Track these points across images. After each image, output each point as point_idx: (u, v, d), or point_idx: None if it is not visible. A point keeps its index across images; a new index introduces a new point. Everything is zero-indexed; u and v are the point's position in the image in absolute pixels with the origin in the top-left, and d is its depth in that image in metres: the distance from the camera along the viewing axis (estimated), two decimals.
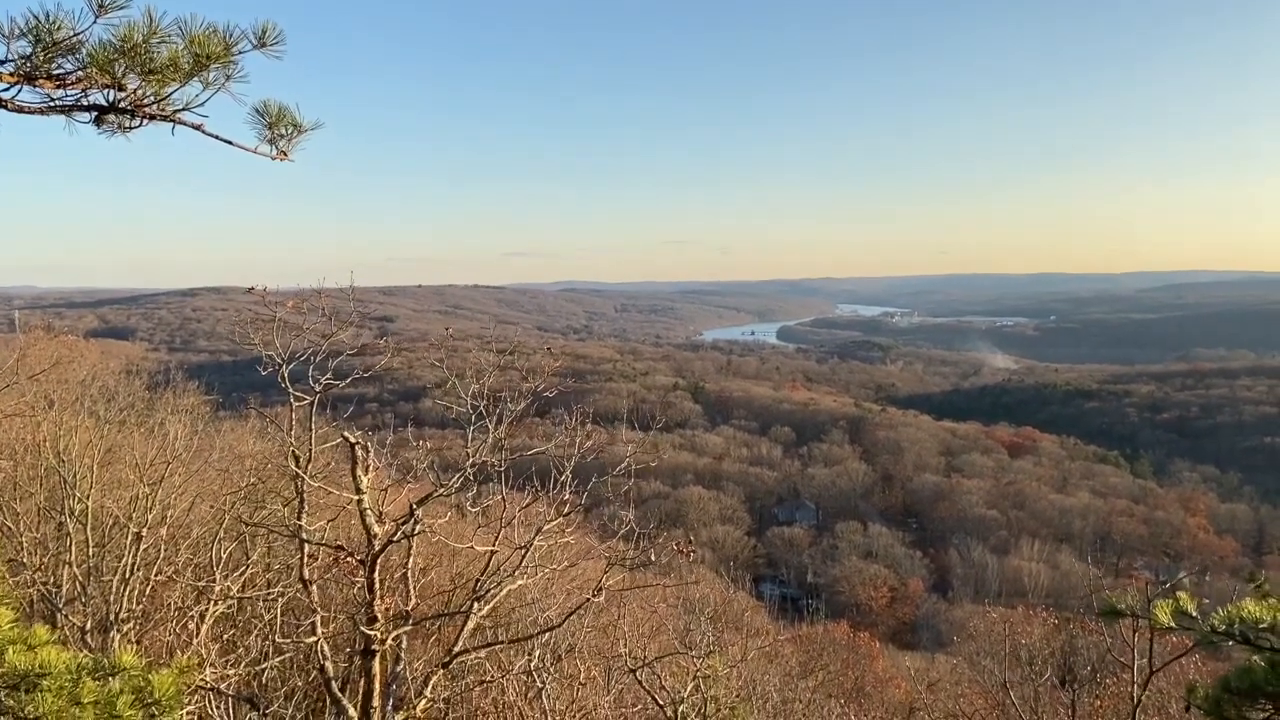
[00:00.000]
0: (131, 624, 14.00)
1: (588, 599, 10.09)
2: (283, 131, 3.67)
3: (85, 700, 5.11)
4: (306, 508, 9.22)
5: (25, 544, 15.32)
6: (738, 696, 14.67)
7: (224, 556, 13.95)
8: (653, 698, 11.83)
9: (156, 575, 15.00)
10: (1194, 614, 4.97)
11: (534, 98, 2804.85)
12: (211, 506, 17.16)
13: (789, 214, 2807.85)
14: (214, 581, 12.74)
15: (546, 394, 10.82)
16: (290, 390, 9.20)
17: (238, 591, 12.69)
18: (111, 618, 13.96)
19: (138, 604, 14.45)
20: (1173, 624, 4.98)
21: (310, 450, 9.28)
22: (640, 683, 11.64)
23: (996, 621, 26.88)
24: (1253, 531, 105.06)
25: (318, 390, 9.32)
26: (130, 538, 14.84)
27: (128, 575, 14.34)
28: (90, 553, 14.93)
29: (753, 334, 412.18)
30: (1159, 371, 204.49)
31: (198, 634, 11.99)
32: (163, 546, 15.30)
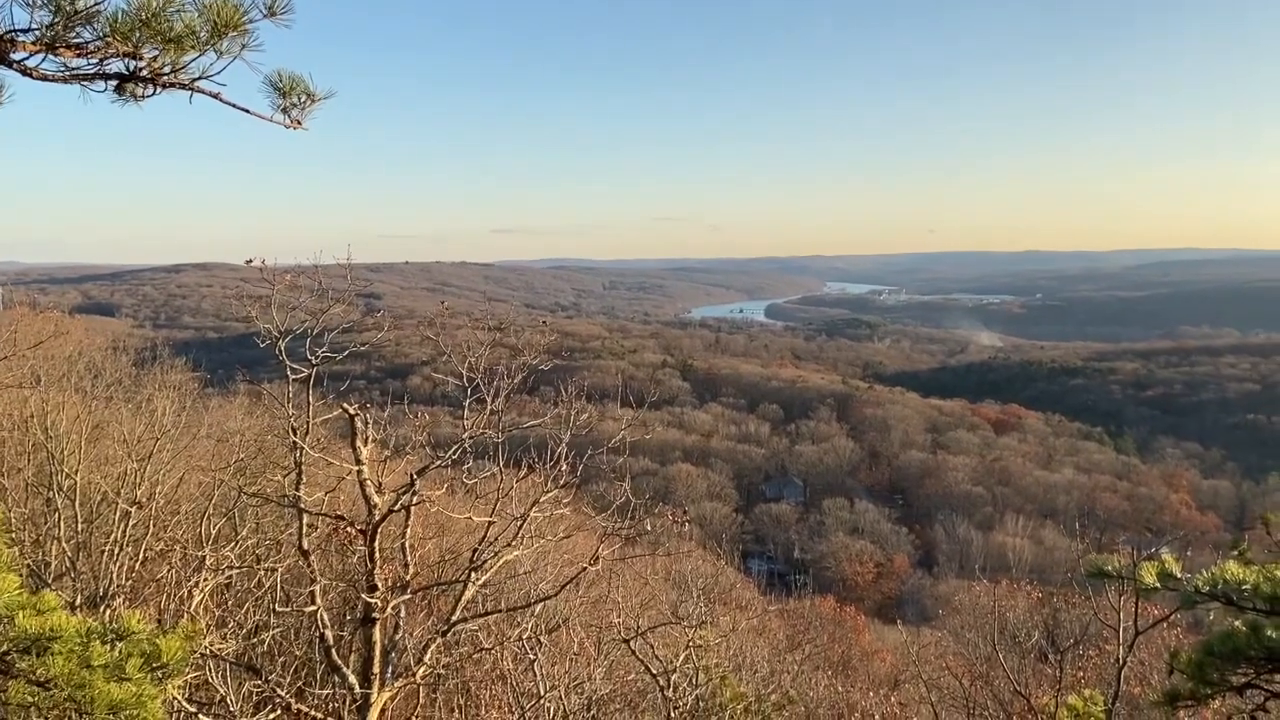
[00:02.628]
0: (121, 599, 14.08)
1: (583, 569, 10.25)
2: (295, 100, 3.72)
3: (95, 664, 5.21)
4: (304, 480, 9.30)
5: (14, 520, 15.34)
6: (728, 667, 14.90)
7: (215, 531, 14.05)
8: (646, 667, 12.02)
9: (146, 550, 15.09)
10: (1178, 575, 5.13)
11: (522, 74, 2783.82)
12: (200, 482, 17.22)
13: (779, 192, 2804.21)
14: (206, 555, 12.84)
15: (541, 368, 10.93)
16: (288, 364, 9.26)
17: (234, 563, 12.78)
18: (101, 593, 14.04)
19: (127, 579, 14.53)
20: (1158, 585, 5.14)
21: (308, 423, 9.36)
22: (634, 652, 11.82)
23: (980, 595, 27.20)
24: (1235, 507, 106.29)
25: (314, 365, 9.39)
26: (119, 513, 14.90)
27: (117, 550, 14.41)
28: (79, 528, 14.99)
29: (741, 311, 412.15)
30: (1144, 349, 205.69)
31: (193, 605, 12.10)
32: (151, 521, 15.37)
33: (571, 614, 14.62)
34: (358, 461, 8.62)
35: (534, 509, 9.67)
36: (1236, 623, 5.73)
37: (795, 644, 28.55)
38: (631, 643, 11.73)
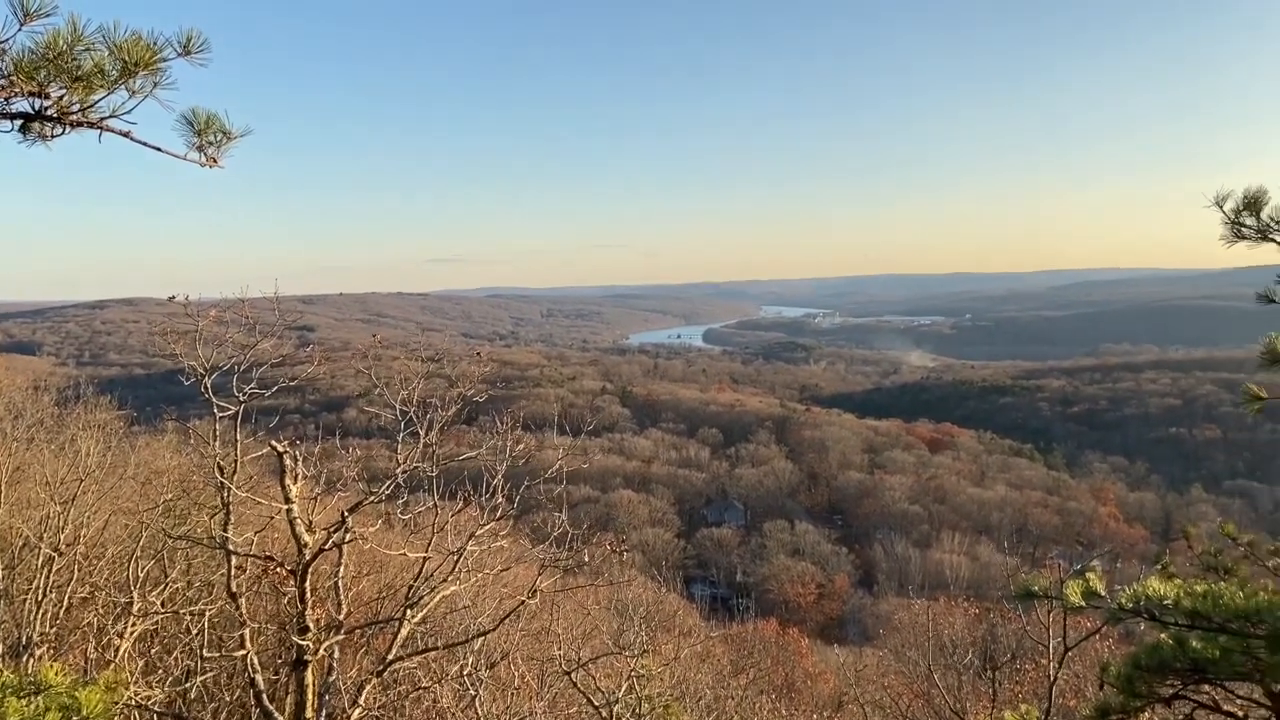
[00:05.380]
0: (44, 648, 13.53)
1: (521, 602, 10.12)
2: (211, 139, 3.67)
3: (10, 719, 4.98)
4: (232, 520, 9.06)
5: None
6: (671, 695, 14.81)
7: (142, 574, 13.57)
8: (588, 699, 11.89)
9: (70, 596, 14.52)
10: (1103, 593, 5.25)
11: (455, 105, 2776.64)
12: (128, 524, 16.66)
13: (713, 217, 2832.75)
14: (133, 600, 12.40)
15: (476, 399, 10.82)
16: (214, 401, 9.04)
17: (160, 608, 12.35)
18: (23, 641, 13.47)
19: (51, 627, 13.98)
20: (1083, 603, 5.25)
21: (235, 462, 9.13)
22: (575, 684, 11.69)
23: (920, 613, 27.55)
24: (1160, 518, 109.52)
25: (241, 401, 9.18)
26: (41, 558, 14.34)
27: (39, 598, 13.84)
28: None
29: (679, 337, 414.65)
30: (1069, 367, 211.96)
31: (118, 653, 11.66)
32: (76, 566, 14.82)
33: (512, 648, 14.41)
34: (287, 500, 8.42)
35: (470, 542, 9.54)
36: (1163, 636, 5.88)
37: (739, 669, 28.54)
38: (573, 675, 11.61)
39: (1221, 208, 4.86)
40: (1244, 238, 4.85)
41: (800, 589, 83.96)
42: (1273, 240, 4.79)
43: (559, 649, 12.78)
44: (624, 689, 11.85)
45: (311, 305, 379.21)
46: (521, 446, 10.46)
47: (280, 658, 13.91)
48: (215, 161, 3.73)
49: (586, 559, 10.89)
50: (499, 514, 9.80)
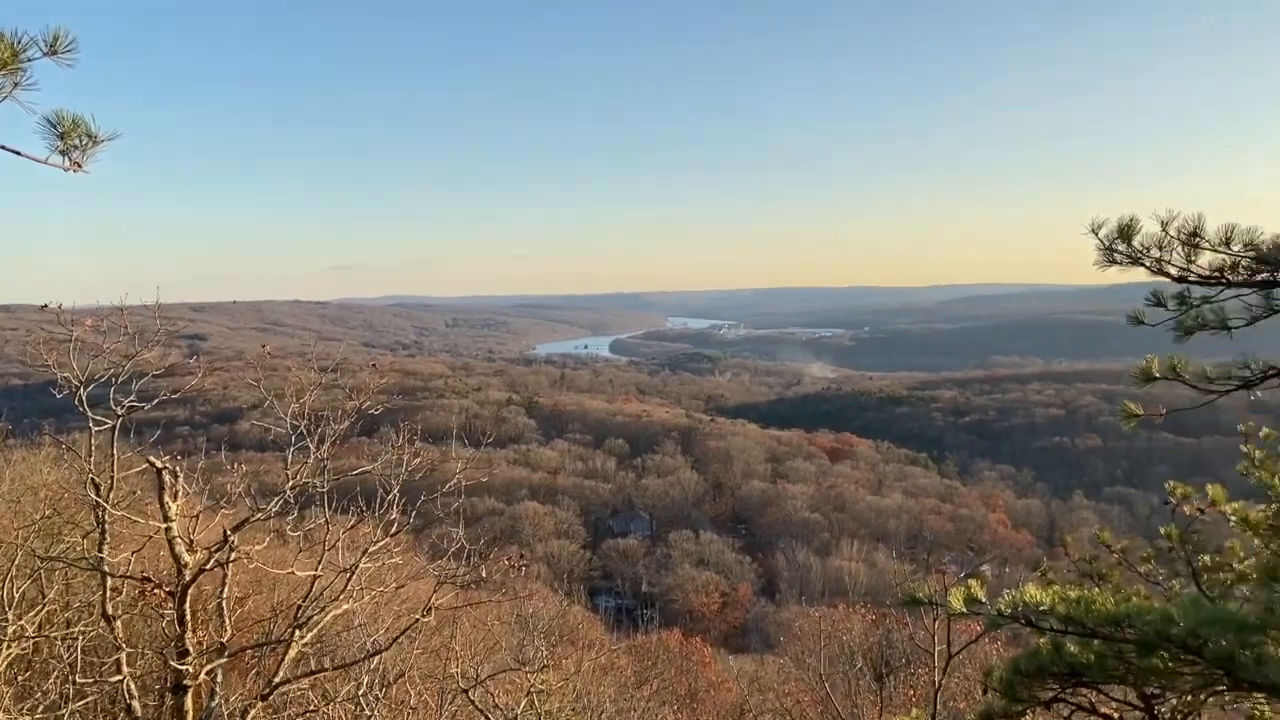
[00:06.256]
0: None
1: (416, 620, 9.89)
2: (76, 142, 3.48)
3: None
4: (109, 539, 8.63)
5: None
6: (572, 709, 14.71)
7: (16, 595, 12.81)
8: (486, 717, 11.70)
9: None
10: (983, 600, 5.41)
11: (355, 109, 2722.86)
12: (1, 542, 15.71)
13: (622, 229, 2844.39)
14: (6, 622, 11.68)
15: (372, 412, 10.56)
16: (89, 414, 8.61)
17: (34, 631, 11.66)
18: None
19: None
20: (965, 610, 5.39)
21: (113, 478, 8.71)
22: (473, 702, 11.49)
23: (819, 621, 28.07)
24: (1045, 524, 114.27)
25: (120, 414, 8.76)
26: None
27: None
28: None
29: (586, 347, 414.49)
30: (961, 378, 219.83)
31: None
32: None
33: (410, 666, 14.09)
34: (165, 518, 8.05)
35: (364, 559, 9.29)
36: (1041, 641, 6.09)
37: (642, 680, 28.56)
38: (471, 692, 11.41)
39: (1097, 235, 5.09)
40: (1116, 263, 5.09)
41: (704, 598, 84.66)
42: (1142, 265, 5.03)
43: (457, 666, 12.55)
44: (523, 705, 11.70)
45: (203, 313, 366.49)
46: (419, 459, 10.24)
47: (162, 682, 13.29)
48: (79, 166, 3.54)
49: (484, 574, 10.72)
50: (394, 529, 9.57)
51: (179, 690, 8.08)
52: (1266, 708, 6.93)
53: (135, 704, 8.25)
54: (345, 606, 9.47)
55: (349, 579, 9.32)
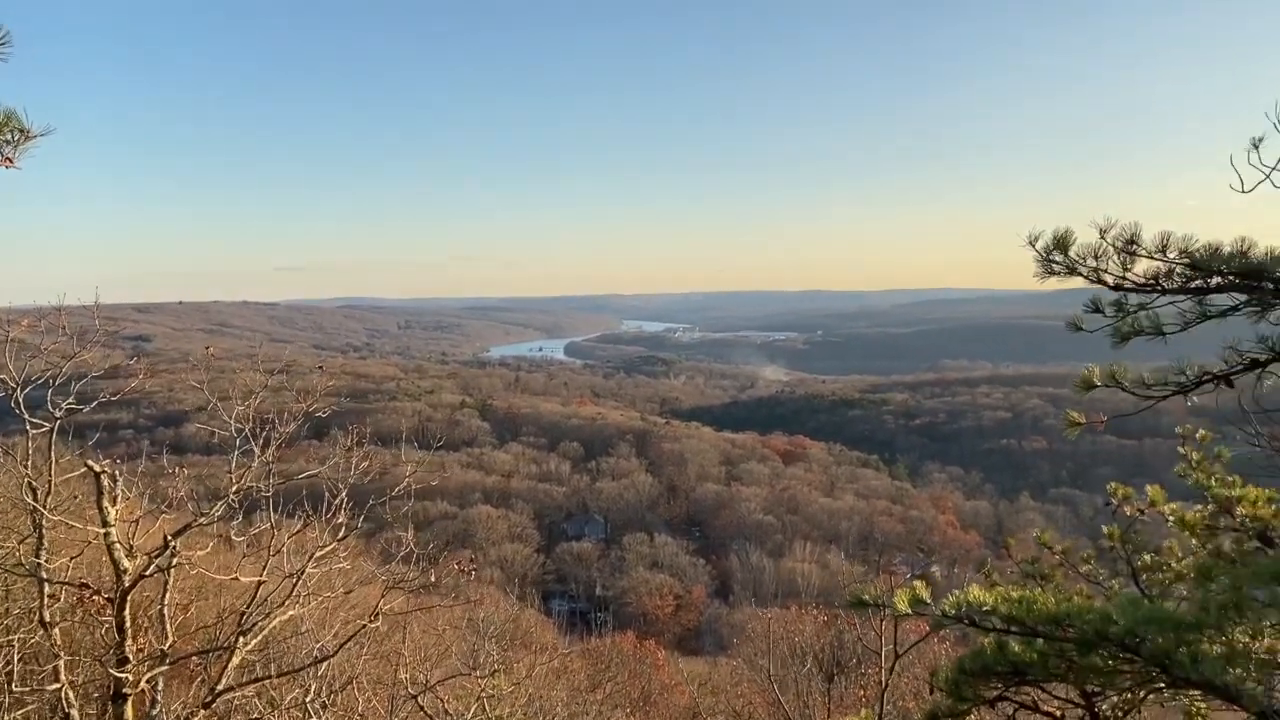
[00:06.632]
0: None
1: (363, 625, 9.76)
2: (8, 137, 3.40)
3: None
4: (46, 544, 8.40)
5: None
6: (524, 714, 14.62)
7: None
8: None
9: None
10: (928, 601, 5.47)
11: (302, 107, 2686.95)
12: None
13: (575, 231, 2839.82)
14: None
15: (321, 414, 10.40)
16: (26, 417, 8.37)
17: None
18: None
19: None
20: (910, 611, 5.45)
21: (50, 482, 8.49)
22: (422, 708, 11.37)
23: (771, 622, 28.23)
24: (993, 525, 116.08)
25: (58, 416, 8.53)
26: None
27: None
28: None
29: (540, 350, 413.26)
30: (912, 381, 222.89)
31: None
32: None
33: (359, 672, 13.91)
34: (105, 522, 7.86)
35: (310, 564, 9.14)
36: (985, 641, 6.18)
37: (595, 684, 28.51)
38: (420, 698, 11.29)
39: (1034, 246, 5.20)
40: (1054, 273, 5.21)
41: (658, 601, 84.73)
42: (1080, 275, 5.14)
43: (406, 672, 12.41)
44: (473, 710, 11.61)
45: (148, 314, 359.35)
46: (367, 463, 10.11)
47: (102, 690, 12.97)
48: (11, 161, 3.45)
49: (434, 579, 10.61)
50: (342, 533, 9.43)
51: (119, 698, 7.88)
52: (1203, 704, 7.11)
53: (74, 713, 8.04)
54: (291, 612, 9.31)
55: (295, 584, 9.16)
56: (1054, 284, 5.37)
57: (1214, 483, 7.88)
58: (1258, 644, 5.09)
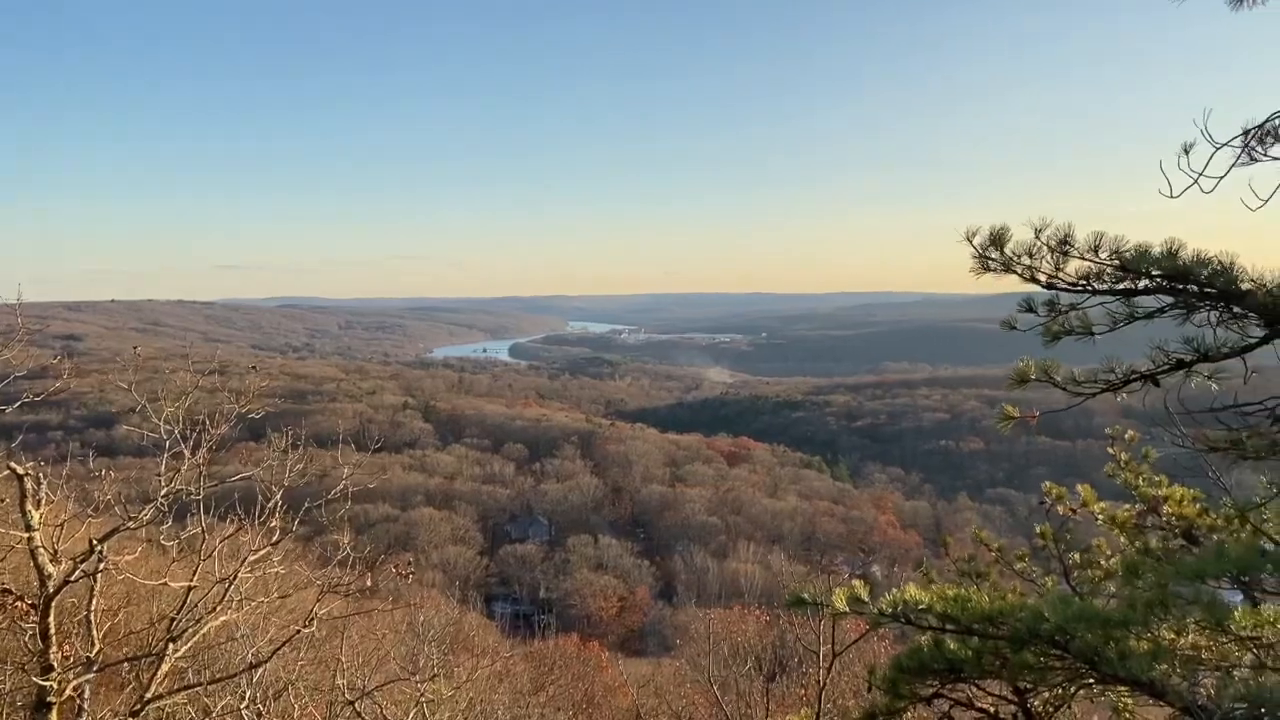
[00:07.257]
0: None
1: (298, 630, 9.56)
2: None
3: None
4: None
5: None
6: (464, 718, 14.47)
7: None
8: None
9: None
10: (866, 600, 5.54)
11: (243, 103, 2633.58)
12: None
13: (520, 231, 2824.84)
14: None
15: (255, 415, 10.17)
16: None
17: None
18: None
19: None
20: (848, 610, 5.52)
21: None
22: (359, 714, 11.18)
23: (714, 622, 28.36)
24: (932, 525, 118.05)
25: None
26: None
27: None
28: None
29: (485, 351, 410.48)
30: (854, 383, 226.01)
31: None
32: None
33: (297, 678, 13.63)
34: (28, 526, 7.59)
35: (243, 568, 8.93)
36: (923, 639, 6.27)
37: (538, 687, 28.38)
38: (358, 704, 11.10)
39: (971, 242, 5.27)
40: (990, 270, 5.29)
41: (602, 602, 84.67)
42: (1014, 272, 5.23)
43: (344, 678, 12.19)
44: (412, 715, 11.45)
45: (79, 313, 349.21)
46: (302, 465, 9.91)
47: (25, 699, 12.54)
48: None
49: (372, 582, 10.44)
50: (276, 537, 9.23)
51: (43, 707, 7.62)
52: (1130, 700, 7.30)
53: None
54: (224, 618, 9.09)
55: (227, 589, 8.94)
56: (991, 285, 5.45)
57: (1142, 482, 8.11)
58: (1182, 640, 5.23)
